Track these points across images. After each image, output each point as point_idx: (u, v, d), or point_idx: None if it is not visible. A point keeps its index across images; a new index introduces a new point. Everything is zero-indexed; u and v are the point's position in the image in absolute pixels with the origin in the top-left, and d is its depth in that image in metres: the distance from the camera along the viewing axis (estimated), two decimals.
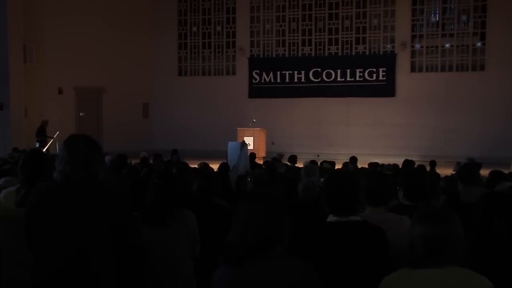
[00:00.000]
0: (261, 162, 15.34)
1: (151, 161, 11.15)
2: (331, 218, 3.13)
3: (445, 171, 11.94)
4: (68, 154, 2.89)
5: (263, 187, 4.90)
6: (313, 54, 21.61)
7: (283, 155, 14.05)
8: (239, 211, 2.44)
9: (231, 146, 14.43)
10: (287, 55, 21.95)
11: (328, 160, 12.69)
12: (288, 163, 12.23)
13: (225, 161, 10.42)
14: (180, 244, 3.96)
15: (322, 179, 7.86)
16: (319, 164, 11.39)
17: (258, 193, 2.59)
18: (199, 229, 4.16)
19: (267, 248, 2.35)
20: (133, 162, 10.56)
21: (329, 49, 21.44)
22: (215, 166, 9.57)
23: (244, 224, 2.37)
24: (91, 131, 18.18)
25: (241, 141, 15.76)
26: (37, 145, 16.70)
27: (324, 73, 21.21)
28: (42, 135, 17.58)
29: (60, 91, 20.22)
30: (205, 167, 8.67)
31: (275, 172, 7.73)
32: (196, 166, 9.69)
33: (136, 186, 4.90)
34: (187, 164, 8.80)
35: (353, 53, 21.20)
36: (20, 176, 3.77)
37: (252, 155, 13.60)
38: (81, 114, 20.91)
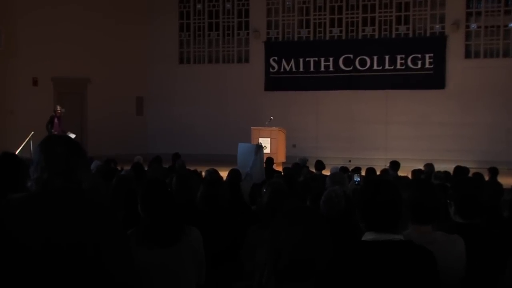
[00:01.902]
0: (280, 168, 15.32)
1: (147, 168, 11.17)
2: (367, 236, 3.11)
3: (508, 180, 11.83)
4: (45, 159, 2.87)
5: (280, 198, 4.90)
6: (343, 37, 21.55)
7: (307, 160, 14.02)
8: (275, 232, 2.43)
9: (242, 148, 14.42)
10: (311, 38, 21.91)
11: (359, 166, 12.61)
12: (314, 171, 12.19)
13: (236, 167, 10.41)
14: (185, 268, 3.97)
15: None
16: (350, 171, 11.35)
17: (299, 211, 2.58)
18: (204, 247, 4.18)
19: (304, 277, 2.35)
20: (124, 169, 10.58)
21: (363, 30, 21.37)
22: (224, 174, 9.56)
23: (280, 249, 2.36)
24: (73, 131, 18.25)
25: (256, 143, 15.73)
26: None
27: (358, 60, 21.15)
28: (50, 126, 17.69)
29: (35, 82, 20.31)
30: (212, 174, 8.68)
31: (295, 180, 7.70)
32: (198, 173, 9.70)
33: (129, 199, 4.91)
34: (190, 171, 8.82)
35: (393, 35, 21.11)
36: None
37: (269, 160, 13.58)
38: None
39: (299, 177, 9.99)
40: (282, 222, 2.47)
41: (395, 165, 12.47)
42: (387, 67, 20.91)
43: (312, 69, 21.64)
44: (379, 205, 3.07)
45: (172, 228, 3.94)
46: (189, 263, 3.98)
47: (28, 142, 16.96)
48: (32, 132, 16.89)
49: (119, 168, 11.61)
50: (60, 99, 20.93)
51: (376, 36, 21.25)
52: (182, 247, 3.94)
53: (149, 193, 3.99)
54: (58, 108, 18.02)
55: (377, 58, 20.96)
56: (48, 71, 20.23)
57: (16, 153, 14.91)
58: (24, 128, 17.81)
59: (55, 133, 17.50)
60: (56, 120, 17.81)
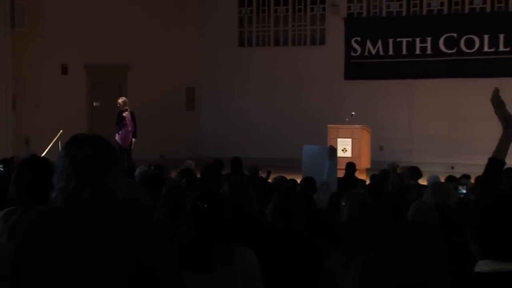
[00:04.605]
0: (363, 176, 15.21)
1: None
2: (483, 266, 2.96)
3: None
4: (71, 165, 2.90)
5: (365, 214, 4.84)
6: (445, 12, 21.28)
7: (398, 166, 13.88)
8: (371, 261, 2.39)
9: (309, 152, 14.38)
10: (404, 13, 21.71)
11: (467, 173, 12.42)
12: (408, 179, 12.05)
13: (309, 176, 10.39)
14: None
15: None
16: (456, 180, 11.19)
17: (402, 227, 2.52)
18: (272, 275, 4.16)
19: None
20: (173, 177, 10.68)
21: (470, 2, 21.04)
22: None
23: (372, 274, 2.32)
24: (109, 130, 18.46)
25: (333, 144, 15.65)
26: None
27: (463, 40, 20.86)
28: (119, 123, 18.04)
29: (65, 70, 20.64)
30: (281, 183, 8.70)
31: (383, 192, 7.62)
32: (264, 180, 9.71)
33: (177, 212, 4.95)
34: (248, 178, 8.83)
35: (510, 8, 20.72)
36: (11, 193, 3.91)
37: (350, 166, 13.49)
38: (95, 104, 21.29)
39: (388, 187, 9.89)
40: (380, 246, 2.40)
41: (509, 174, 12.16)
42: (501, 48, 20.57)
43: (404, 52, 21.44)
44: (502, 224, 2.95)
45: (209, 251, 3.95)
46: None
47: (56, 142, 17.19)
48: (61, 131, 17.10)
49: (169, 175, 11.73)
50: (94, 91, 21.26)
51: (488, 9, 20.92)
52: (233, 272, 3.95)
53: (199, 206, 4.02)
54: (120, 100, 18.27)
55: (489, 38, 20.64)
56: (80, 57, 20.53)
57: (43, 155, 15.20)
58: (52, 125, 18.12)
59: (118, 133, 17.80)
60: (124, 115, 18.01)
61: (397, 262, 2.29)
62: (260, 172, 12.68)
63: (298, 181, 11.14)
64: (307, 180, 9.42)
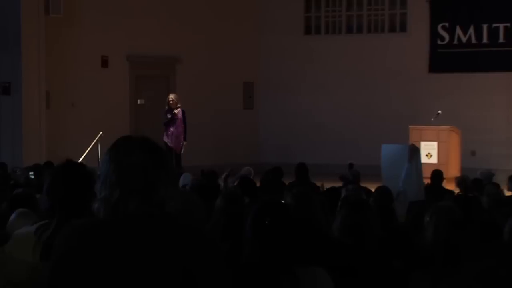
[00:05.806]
0: (452, 186, 15.07)
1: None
2: None
3: None
4: (116, 172, 2.93)
5: (455, 232, 4.80)
6: None
7: (494, 175, 13.74)
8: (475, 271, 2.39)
9: (389, 152, 14.27)
10: None
11: None
12: (507, 191, 11.94)
13: (383, 185, 10.36)
14: None
15: None
16: None
17: (496, 246, 2.51)
18: None
19: None
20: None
21: None
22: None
23: None
24: (156, 130, 18.63)
25: (411, 143, 15.56)
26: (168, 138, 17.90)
27: None
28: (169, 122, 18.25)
29: (105, 63, 20.84)
30: (354, 194, 8.68)
31: (475, 205, 7.55)
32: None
33: (235, 226, 4.98)
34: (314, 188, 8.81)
35: None
36: (43, 205, 3.93)
37: (437, 175, 13.40)
38: (139, 101, 21.47)
39: (482, 199, 9.79)
40: (472, 269, 2.40)
41: None
42: None
43: (501, 39, 21.24)
44: None
45: (277, 272, 3.94)
46: None
47: (96, 146, 17.38)
48: (101, 133, 17.29)
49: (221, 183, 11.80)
50: (139, 87, 21.44)
51: None
52: None
53: (264, 223, 4.01)
54: (171, 96, 18.38)
55: None
56: (123, 47, 20.73)
57: (80, 160, 15.39)
58: (90, 126, 18.33)
59: (166, 135, 17.92)
60: (169, 114, 18.10)
61: (492, 286, 2.29)
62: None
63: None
64: (381, 191, 9.35)
